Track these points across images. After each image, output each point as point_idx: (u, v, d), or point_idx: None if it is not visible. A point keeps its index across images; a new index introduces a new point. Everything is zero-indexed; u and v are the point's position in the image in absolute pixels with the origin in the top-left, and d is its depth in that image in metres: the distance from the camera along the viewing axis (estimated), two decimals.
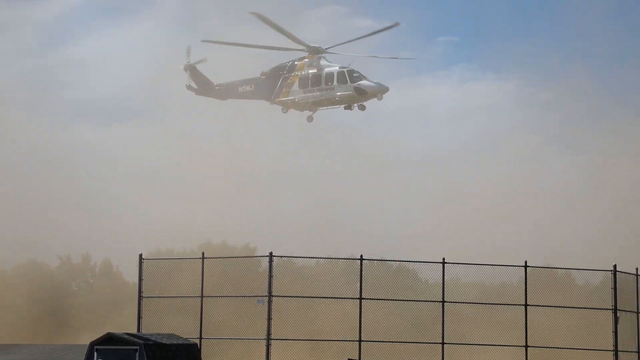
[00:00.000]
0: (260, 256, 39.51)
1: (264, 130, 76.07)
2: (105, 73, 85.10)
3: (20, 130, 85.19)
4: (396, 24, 55.48)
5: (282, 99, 56.68)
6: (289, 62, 56.79)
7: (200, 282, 37.80)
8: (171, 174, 79.05)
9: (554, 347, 37.99)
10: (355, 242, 58.45)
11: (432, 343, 37.17)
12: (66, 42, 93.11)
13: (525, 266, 37.95)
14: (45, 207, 78.07)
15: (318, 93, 55.21)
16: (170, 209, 74.77)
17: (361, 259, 37.44)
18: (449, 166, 78.23)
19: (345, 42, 55.24)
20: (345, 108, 55.64)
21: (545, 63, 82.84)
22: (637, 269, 39.49)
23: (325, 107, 56.12)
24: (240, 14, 59.60)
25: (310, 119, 57.17)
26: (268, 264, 36.86)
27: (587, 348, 37.79)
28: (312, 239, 62.14)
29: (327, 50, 55.40)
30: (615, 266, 38.29)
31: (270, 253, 36.85)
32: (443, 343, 36.78)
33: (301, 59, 56.14)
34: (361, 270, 37.39)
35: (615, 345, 37.70)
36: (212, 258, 40.07)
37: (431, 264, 38.14)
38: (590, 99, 78.68)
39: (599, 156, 74.20)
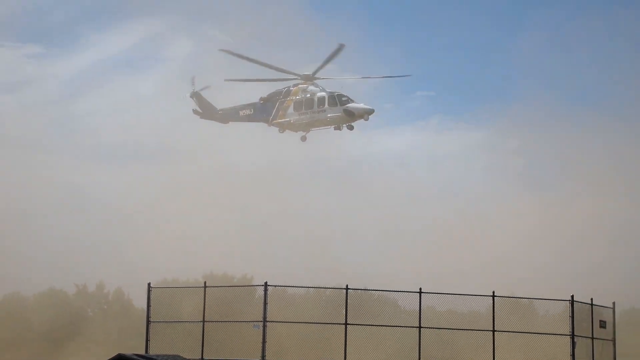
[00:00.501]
0: (256, 285, 39.33)
1: (261, 172, 76.44)
2: (119, 121, 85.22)
3: (44, 171, 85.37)
4: (408, 75, 56.02)
5: (279, 120, 56.59)
6: (284, 88, 56.79)
7: (202, 308, 37.67)
8: (177, 211, 79.07)
9: None
10: (341, 273, 58.29)
11: None
12: (85, 93, 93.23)
13: (493, 296, 37.89)
14: (63, 240, 78.00)
15: (311, 115, 55.06)
16: (176, 242, 74.61)
17: (347, 288, 37.35)
18: (425, 205, 78.36)
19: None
20: (335, 129, 55.53)
21: (511, 114, 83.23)
22: (591, 299, 39.54)
23: (318, 128, 55.81)
24: (242, 67, 59.50)
25: (304, 138, 57.01)
26: (263, 292, 36.69)
27: None
28: (303, 270, 61.99)
29: (318, 78, 55.47)
30: (572, 297, 38.37)
31: (265, 283, 36.76)
32: None
33: (295, 85, 56.10)
34: (346, 299, 37.24)
35: None
36: (213, 287, 39.75)
37: (409, 293, 38.03)
38: (549, 147, 79.05)
39: (557, 197, 74.39)
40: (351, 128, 54.84)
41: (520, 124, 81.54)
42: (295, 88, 56.16)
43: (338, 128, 55.26)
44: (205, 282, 39.95)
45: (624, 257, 66.79)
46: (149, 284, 39.57)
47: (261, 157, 75.91)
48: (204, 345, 37.18)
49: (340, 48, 53.77)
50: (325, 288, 42.61)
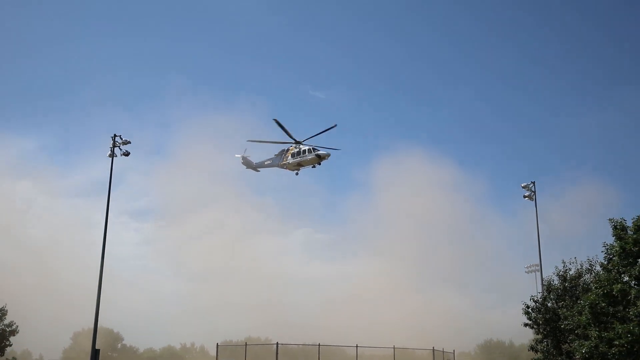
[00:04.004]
0: (271, 344, 41.13)
1: (273, 280, 78.96)
2: (203, 257, 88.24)
3: (164, 286, 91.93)
4: (334, 125, 51.98)
5: (283, 163, 55.46)
6: (286, 147, 55.74)
7: (244, 356, 38.70)
8: (229, 301, 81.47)
9: None
10: (315, 334, 59.39)
11: None
12: (184, 246, 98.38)
13: (394, 348, 38.82)
14: (171, 320, 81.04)
15: (299, 158, 53.94)
16: (229, 320, 76.57)
17: (319, 345, 38.39)
18: (360, 301, 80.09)
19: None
20: (312, 167, 54.03)
21: (381, 242, 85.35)
22: (443, 348, 41.21)
23: (304, 167, 54.15)
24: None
25: (297, 174, 55.17)
26: (275, 348, 37.81)
27: None
28: (300, 333, 62.78)
29: (303, 142, 54.35)
30: (433, 347, 40.13)
31: (277, 342, 38.11)
32: None
33: (292, 145, 55.11)
34: (319, 350, 38.26)
35: None
36: (251, 345, 41.36)
37: (350, 347, 39.61)
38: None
39: (425, 295, 75.46)
40: (319, 164, 53.58)
41: (386, 249, 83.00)
42: (291, 146, 55.42)
43: (314, 167, 54.06)
44: (246, 342, 41.93)
45: (458, 327, 67.60)
46: (217, 344, 41.71)
47: (276, 271, 78.51)
48: None
49: (332, 127, 52.19)
50: (308, 345, 43.86)
